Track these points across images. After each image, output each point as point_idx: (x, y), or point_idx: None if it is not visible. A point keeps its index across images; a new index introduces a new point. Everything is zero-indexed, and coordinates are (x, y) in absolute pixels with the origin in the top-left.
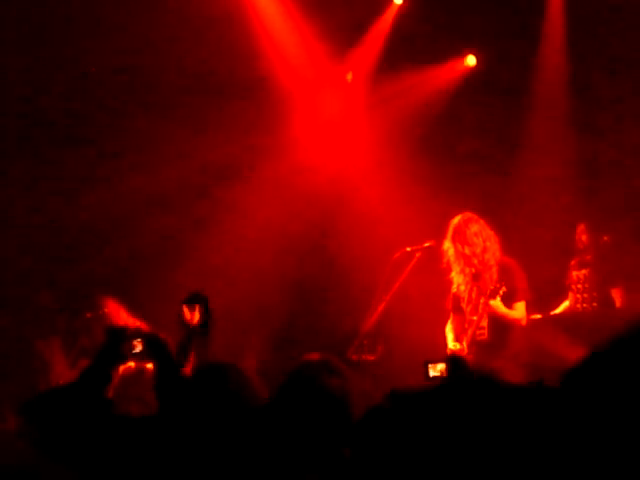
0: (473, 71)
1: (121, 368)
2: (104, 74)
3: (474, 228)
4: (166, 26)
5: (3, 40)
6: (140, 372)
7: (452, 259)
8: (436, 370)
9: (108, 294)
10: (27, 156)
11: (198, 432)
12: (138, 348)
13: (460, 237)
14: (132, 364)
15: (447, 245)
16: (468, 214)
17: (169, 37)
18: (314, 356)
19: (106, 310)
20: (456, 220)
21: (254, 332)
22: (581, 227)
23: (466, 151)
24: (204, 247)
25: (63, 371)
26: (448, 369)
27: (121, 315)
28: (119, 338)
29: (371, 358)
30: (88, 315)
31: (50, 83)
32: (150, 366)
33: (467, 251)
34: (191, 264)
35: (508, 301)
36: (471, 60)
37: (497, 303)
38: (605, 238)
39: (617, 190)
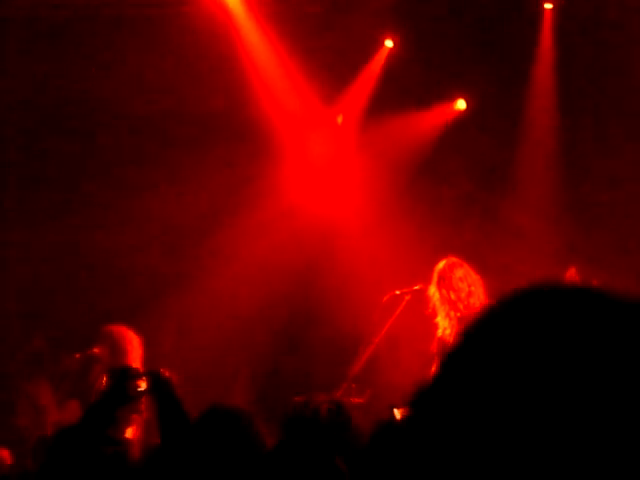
0: (463, 114)
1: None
2: (100, 114)
3: (459, 273)
4: (154, 66)
5: None
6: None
7: (438, 304)
8: (402, 414)
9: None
10: (20, 194)
11: (203, 471)
12: (142, 387)
13: (445, 282)
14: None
15: (432, 290)
16: (452, 259)
17: (156, 76)
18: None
19: (96, 351)
20: (441, 265)
21: (240, 376)
22: (571, 271)
23: (455, 194)
24: (188, 290)
25: (51, 413)
26: None
27: (118, 351)
28: (123, 378)
29: (360, 401)
30: (77, 356)
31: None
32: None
33: (452, 296)
34: (174, 308)
35: None
36: (461, 104)
37: None
38: (594, 283)
39: (608, 233)
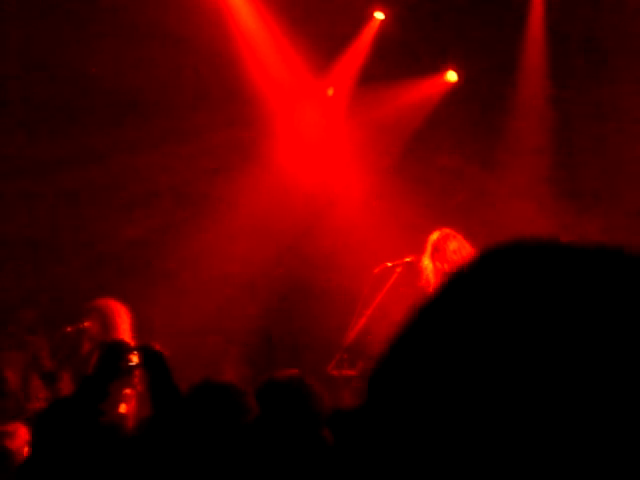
0: (454, 86)
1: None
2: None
3: (452, 245)
4: (146, 37)
5: None
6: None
7: (431, 276)
8: None
9: (106, 298)
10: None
11: (194, 444)
12: (134, 361)
13: (439, 254)
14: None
15: (426, 262)
16: (446, 230)
17: (149, 48)
18: (281, 374)
19: (87, 324)
20: (434, 237)
21: (233, 348)
22: None
23: (446, 165)
24: (182, 260)
25: (42, 386)
26: None
27: (108, 324)
28: (117, 353)
29: (352, 373)
30: (68, 329)
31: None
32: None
33: (446, 268)
34: (166, 278)
35: None
36: (452, 76)
37: None
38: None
39: (597, 207)
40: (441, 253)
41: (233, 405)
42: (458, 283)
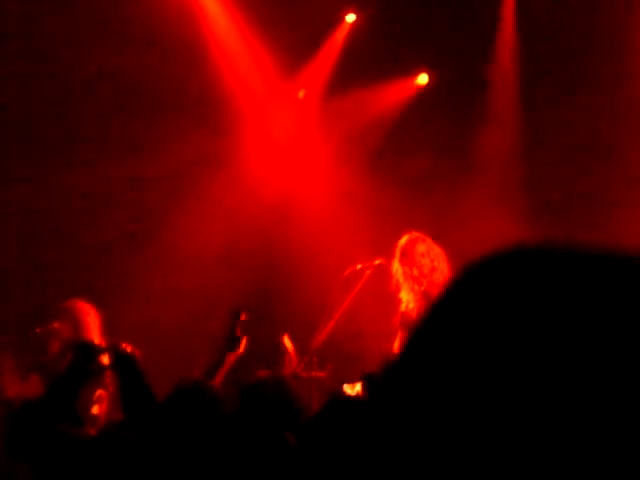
0: (425, 89)
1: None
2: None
3: (421, 248)
4: (112, 36)
5: None
6: None
7: (401, 280)
8: (353, 390)
9: (76, 299)
10: None
11: (173, 441)
12: (104, 362)
13: (408, 259)
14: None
15: (395, 266)
16: (415, 234)
17: (116, 47)
18: (263, 374)
19: (56, 325)
20: (403, 241)
21: (201, 353)
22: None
23: (417, 168)
24: (140, 266)
25: (12, 385)
26: (364, 389)
27: (79, 326)
28: (88, 354)
29: (321, 375)
30: (37, 330)
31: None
32: None
33: (415, 272)
34: (126, 284)
35: None
36: (423, 78)
37: None
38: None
39: (571, 210)
40: (409, 257)
41: (208, 407)
42: (466, 286)
